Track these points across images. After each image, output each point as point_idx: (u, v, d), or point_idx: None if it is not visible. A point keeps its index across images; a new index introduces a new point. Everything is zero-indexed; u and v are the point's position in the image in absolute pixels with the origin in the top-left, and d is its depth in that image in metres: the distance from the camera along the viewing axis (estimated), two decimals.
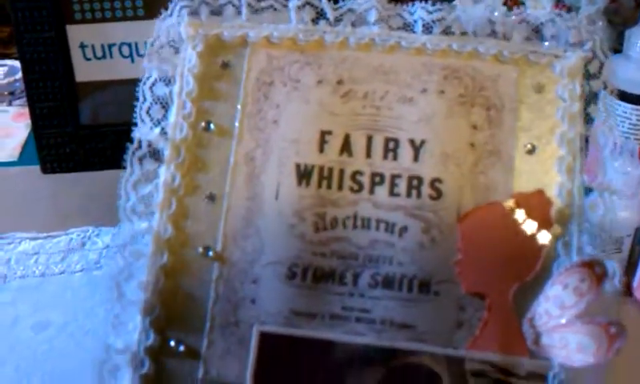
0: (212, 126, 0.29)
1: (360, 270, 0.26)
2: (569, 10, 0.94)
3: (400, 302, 0.26)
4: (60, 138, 0.76)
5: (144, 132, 0.31)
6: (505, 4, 0.34)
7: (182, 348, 0.26)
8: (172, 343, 0.26)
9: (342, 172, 0.27)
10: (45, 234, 0.68)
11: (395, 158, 0.27)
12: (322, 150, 0.27)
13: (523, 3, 0.34)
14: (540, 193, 0.27)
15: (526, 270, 0.26)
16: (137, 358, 0.26)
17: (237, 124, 0.29)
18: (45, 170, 0.80)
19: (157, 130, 0.31)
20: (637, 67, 0.68)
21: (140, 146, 0.31)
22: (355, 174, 0.27)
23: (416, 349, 0.26)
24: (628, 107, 0.68)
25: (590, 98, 0.31)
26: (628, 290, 0.63)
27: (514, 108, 0.28)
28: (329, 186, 0.26)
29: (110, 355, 0.27)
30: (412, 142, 0.27)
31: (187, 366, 0.26)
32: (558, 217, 0.27)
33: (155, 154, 0.31)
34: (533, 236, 0.27)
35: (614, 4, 0.94)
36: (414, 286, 0.26)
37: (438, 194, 0.27)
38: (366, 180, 0.27)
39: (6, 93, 0.99)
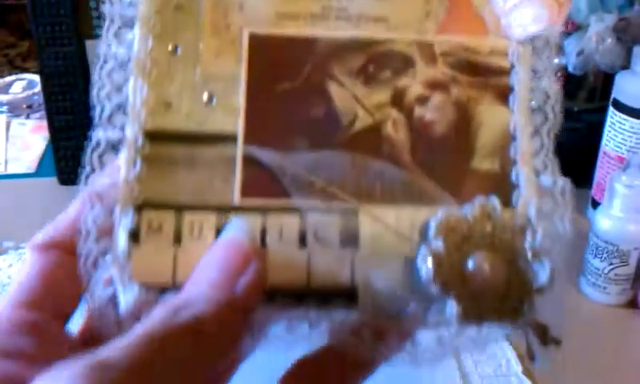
0: None
1: None
2: (578, 27, 0.95)
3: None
4: (78, 150, 0.78)
5: None
6: None
7: (179, 51, 0.28)
8: (170, 47, 0.28)
9: None
10: None
11: None
12: None
13: None
14: None
15: None
16: (139, 63, 0.28)
17: None
18: (62, 182, 0.82)
19: None
20: None
21: None
22: None
23: (391, 37, 0.29)
24: (636, 122, 0.68)
25: None
26: (635, 303, 0.64)
27: None
28: None
29: (111, 62, 0.28)
30: None
31: (187, 66, 0.28)
32: None
33: None
34: None
35: (623, 21, 0.95)
36: None
37: None
38: None
39: (24, 106, 1.01)
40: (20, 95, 1.01)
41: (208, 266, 0.25)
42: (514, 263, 0.26)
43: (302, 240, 0.27)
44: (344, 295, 0.26)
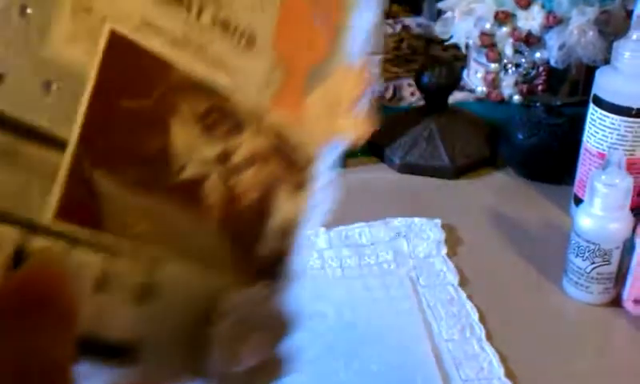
0: None
1: None
2: (559, 20, 0.94)
3: None
4: None
5: None
6: None
7: (28, 13, 0.22)
8: (18, 3, 0.22)
9: None
10: None
11: None
12: None
13: None
14: None
15: None
16: None
17: None
18: None
19: None
20: (624, 79, 0.68)
21: None
22: None
23: (236, 94, 0.28)
24: (616, 119, 0.68)
25: None
26: (618, 302, 0.63)
27: None
28: None
29: None
30: None
31: (32, 37, 0.23)
32: None
33: None
34: None
35: (605, 14, 0.94)
36: None
37: None
38: None
39: None
40: None
41: None
42: None
43: (98, 286, 0.25)
44: (123, 350, 0.25)
